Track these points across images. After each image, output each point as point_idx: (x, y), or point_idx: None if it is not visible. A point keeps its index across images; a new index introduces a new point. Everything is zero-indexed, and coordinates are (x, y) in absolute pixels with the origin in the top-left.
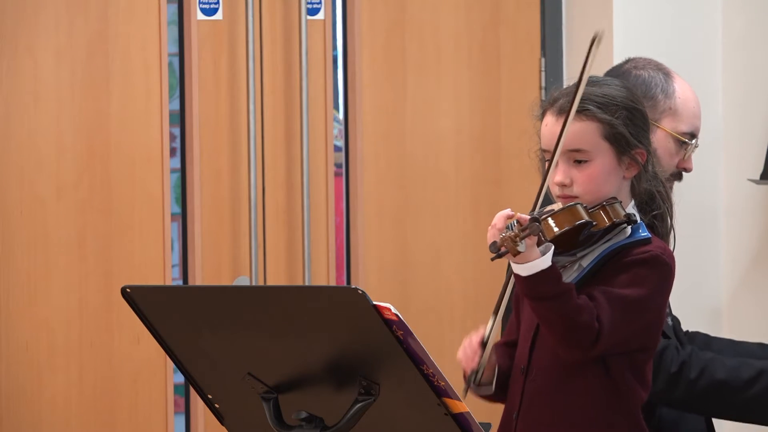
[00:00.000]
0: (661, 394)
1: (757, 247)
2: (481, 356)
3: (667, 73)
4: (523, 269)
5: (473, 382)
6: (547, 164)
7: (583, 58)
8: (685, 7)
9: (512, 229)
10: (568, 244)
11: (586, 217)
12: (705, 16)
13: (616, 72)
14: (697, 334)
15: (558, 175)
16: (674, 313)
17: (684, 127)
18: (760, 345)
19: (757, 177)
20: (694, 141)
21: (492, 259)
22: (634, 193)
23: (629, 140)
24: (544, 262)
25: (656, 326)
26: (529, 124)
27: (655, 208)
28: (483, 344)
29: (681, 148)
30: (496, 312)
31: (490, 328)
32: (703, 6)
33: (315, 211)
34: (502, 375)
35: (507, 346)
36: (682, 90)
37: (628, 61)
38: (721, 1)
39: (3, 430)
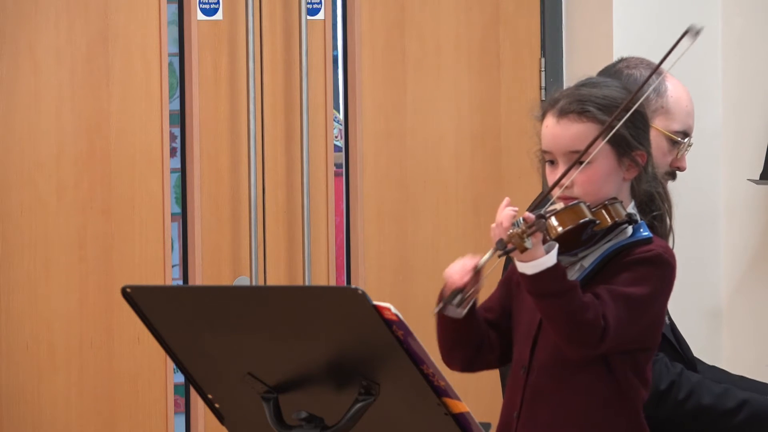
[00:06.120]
0: (646, 407)
1: (757, 247)
2: (473, 281)
3: (659, 72)
4: (529, 267)
5: (453, 301)
6: (546, 165)
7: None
8: (684, 8)
9: (519, 227)
10: (571, 243)
11: (589, 216)
12: (705, 16)
13: (609, 72)
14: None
15: (558, 176)
16: (674, 312)
17: (676, 126)
18: (741, 378)
19: (757, 177)
20: (687, 140)
21: (499, 257)
22: (634, 194)
23: (630, 142)
24: (550, 259)
25: (658, 325)
26: (529, 124)
27: (655, 209)
28: (476, 271)
29: (674, 147)
30: (495, 249)
31: (486, 259)
32: (703, 6)
33: (315, 211)
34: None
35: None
36: (674, 88)
37: (620, 60)
38: (721, 1)
39: (3, 430)
